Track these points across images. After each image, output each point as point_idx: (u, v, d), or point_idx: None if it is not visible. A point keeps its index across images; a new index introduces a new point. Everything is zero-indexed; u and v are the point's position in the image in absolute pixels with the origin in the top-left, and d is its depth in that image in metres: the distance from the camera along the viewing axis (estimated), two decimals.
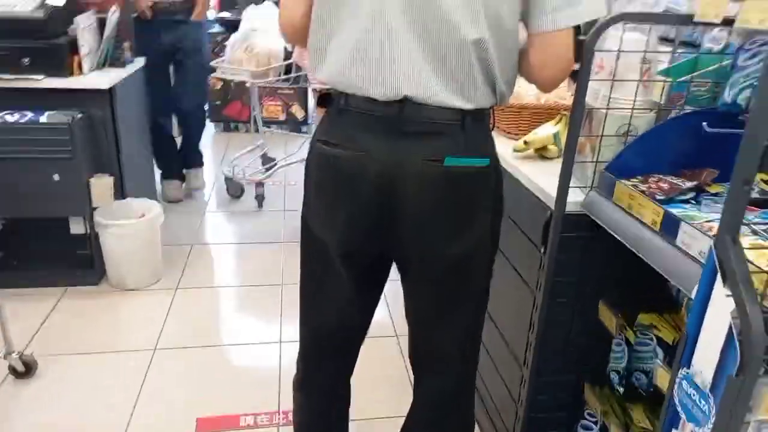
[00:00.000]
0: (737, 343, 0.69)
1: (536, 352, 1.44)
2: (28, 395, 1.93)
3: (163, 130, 3.38)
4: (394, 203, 1.10)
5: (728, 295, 0.70)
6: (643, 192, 1.12)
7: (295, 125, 4.78)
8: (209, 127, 4.61)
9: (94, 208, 2.43)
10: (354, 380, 1.44)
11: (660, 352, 1.26)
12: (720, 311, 0.72)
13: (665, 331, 1.27)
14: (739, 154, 0.67)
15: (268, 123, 4.45)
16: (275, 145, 4.36)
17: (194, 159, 3.68)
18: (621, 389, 1.36)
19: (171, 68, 3.35)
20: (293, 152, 4.24)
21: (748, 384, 0.68)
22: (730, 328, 0.70)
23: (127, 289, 2.54)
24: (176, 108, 3.44)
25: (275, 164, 3.98)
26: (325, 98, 1.16)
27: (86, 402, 1.91)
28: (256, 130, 3.79)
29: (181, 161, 3.59)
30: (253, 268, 2.82)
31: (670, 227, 1.00)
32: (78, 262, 2.53)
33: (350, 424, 1.50)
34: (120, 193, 2.57)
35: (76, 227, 2.48)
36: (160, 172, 3.50)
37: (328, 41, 1.10)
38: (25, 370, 1.99)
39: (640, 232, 1.07)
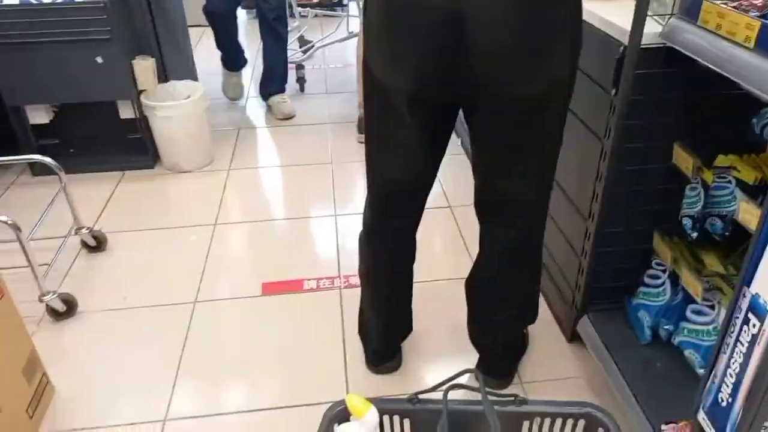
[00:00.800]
0: None
1: (603, 204, 1.40)
2: (101, 268, 2.03)
3: (224, 19, 2.97)
4: (464, 35, 1.01)
5: None
6: (734, 8, 1.01)
7: (330, 6, 4.58)
8: (241, 14, 4.46)
9: (141, 91, 2.41)
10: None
11: (740, 193, 1.20)
12: None
13: (746, 171, 1.21)
14: None
15: (303, 5, 4.26)
16: (312, 28, 4.22)
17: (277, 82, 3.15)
18: (695, 234, 1.32)
19: None
20: (330, 33, 4.10)
21: None
22: None
23: (181, 171, 2.58)
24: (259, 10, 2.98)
25: (313, 46, 3.86)
26: None
27: (156, 272, 2.00)
28: (291, 15, 3.64)
29: (243, 55, 3.25)
30: (302, 149, 2.82)
31: (765, 42, 0.91)
32: (131, 147, 2.57)
33: (414, 284, 1.53)
34: (163, 75, 2.53)
35: (125, 111, 2.49)
36: (222, 63, 3.23)
37: None
38: (96, 244, 2.08)
39: (732, 52, 0.98)
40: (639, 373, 1.40)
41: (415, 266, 1.50)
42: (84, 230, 2.04)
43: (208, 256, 2.07)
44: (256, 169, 2.68)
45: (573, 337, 1.65)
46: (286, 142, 2.92)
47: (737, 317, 0.87)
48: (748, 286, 0.84)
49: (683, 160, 1.29)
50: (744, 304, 0.85)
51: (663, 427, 1.25)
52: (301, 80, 3.42)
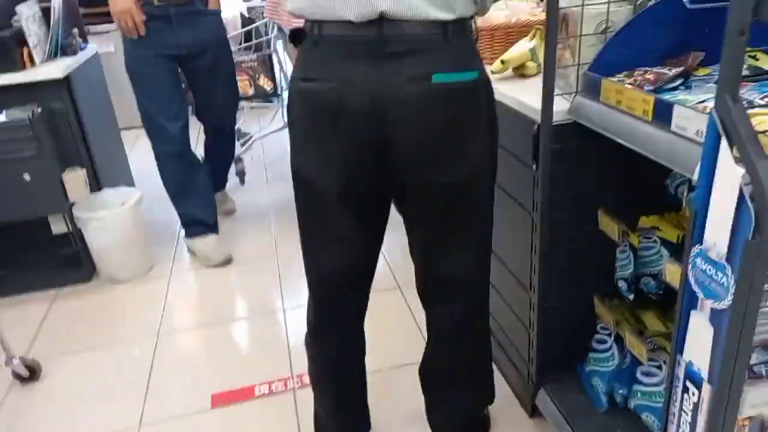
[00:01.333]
0: (750, 206, 0.66)
1: (541, 273, 1.43)
2: (36, 399, 1.89)
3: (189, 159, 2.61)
4: (384, 133, 1.05)
5: (736, 159, 0.67)
6: (630, 85, 1.08)
7: (265, 97, 4.68)
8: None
9: (72, 204, 2.36)
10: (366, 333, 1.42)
11: (665, 252, 1.24)
12: (728, 178, 0.69)
13: (668, 230, 1.26)
14: (731, 2, 0.62)
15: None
16: (249, 120, 4.27)
17: (222, 179, 3.07)
18: (631, 296, 1.34)
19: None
20: (267, 124, 4.17)
21: (766, 242, 0.65)
22: (741, 192, 0.67)
23: (119, 281, 2.49)
24: (209, 122, 2.78)
25: (250, 138, 3.90)
26: (297, 34, 1.10)
27: (97, 397, 1.88)
28: None
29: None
30: (245, 244, 2.78)
31: (662, 114, 0.97)
32: (66, 262, 2.48)
33: (367, 375, 1.49)
34: (96, 184, 2.49)
35: (58, 226, 2.42)
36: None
37: None
38: (30, 374, 1.95)
39: (633, 125, 1.03)
40: None
41: (368, 356, 1.46)
42: (15, 361, 1.91)
43: (151, 372, 1.96)
44: (198, 270, 2.61)
45: (534, 411, 1.62)
46: (229, 237, 2.88)
47: (677, 386, 0.87)
48: (681, 354, 0.85)
49: (608, 225, 1.33)
50: (680, 373, 0.86)
51: None
52: (241, 173, 3.43)
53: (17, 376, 1.94)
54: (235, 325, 2.23)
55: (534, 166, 1.32)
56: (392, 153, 1.08)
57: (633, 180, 1.33)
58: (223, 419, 1.75)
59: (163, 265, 2.62)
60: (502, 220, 1.62)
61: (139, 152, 3.62)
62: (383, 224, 1.30)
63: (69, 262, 2.47)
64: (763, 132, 0.70)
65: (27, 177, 2.24)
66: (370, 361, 1.47)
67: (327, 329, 1.36)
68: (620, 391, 1.43)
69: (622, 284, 1.36)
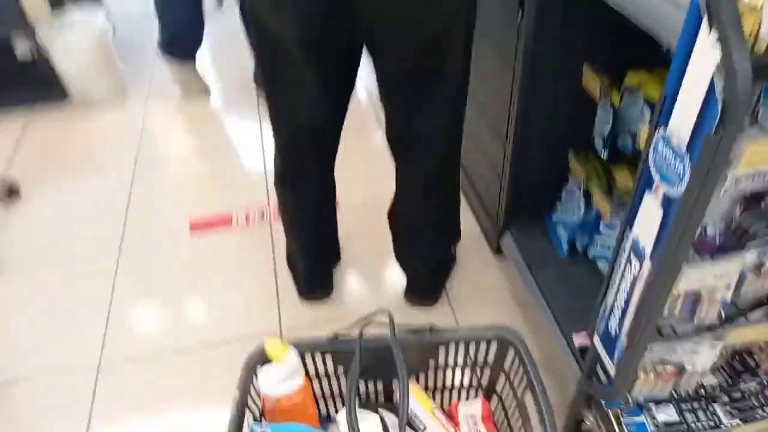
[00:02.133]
0: (719, 96, 0.61)
1: (518, 125, 1.39)
2: (17, 221, 1.95)
3: None
4: None
5: (713, 43, 0.60)
6: None
7: None
8: None
9: (34, 24, 2.19)
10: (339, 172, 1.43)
11: (648, 112, 1.19)
12: (702, 62, 0.63)
13: (653, 88, 1.19)
14: None
15: None
16: None
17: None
18: (605, 153, 1.32)
19: None
20: None
21: (727, 140, 0.62)
22: (712, 82, 0.62)
23: (93, 104, 2.42)
24: None
25: None
26: None
27: (78, 218, 1.94)
28: None
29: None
30: (225, 68, 2.66)
31: None
32: (36, 85, 2.38)
33: (342, 210, 1.52)
34: (57, 2, 2.30)
35: (22, 49, 2.28)
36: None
37: None
38: (9, 193, 1.98)
39: None
40: (556, 285, 1.46)
41: (344, 191, 1.47)
42: None
43: (131, 196, 2.00)
44: (177, 96, 2.53)
45: (498, 250, 1.70)
46: (207, 62, 2.74)
47: (622, 256, 0.89)
48: (631, 229, 0.86)
49: (591, 82, 1.26)
50: (627, 245, 0.87)
51: (574, 334, 1.33)
52: None
53: None
54: (213, 153, 2.23)
55: (519, 15, 1.21)
56: (359, 3, 0.99)
57: (624, 33, 1.22)
58: (201, 245, 1.83)
59: (138, 88, 2.53)
60: (485, 70, 1.54)
61: None
62: (353, 74, 1.23)
63: (40, 85, 2.38)
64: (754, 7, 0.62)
65: None
66: (345, 197, 1.48)
67: (296, 176, 1.36)
68: (582, 241, 1.48)
69: (598, 141, 1.33)
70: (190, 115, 2.44)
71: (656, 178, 0.76)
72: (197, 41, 2.34)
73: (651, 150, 0.76)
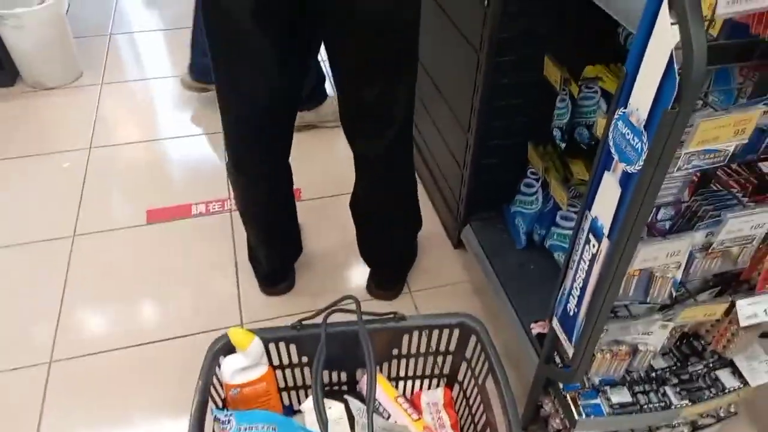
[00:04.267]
0: (677, 76, 0.64)
1: (480, 117, 1.41)
2: None
3: None
4: None
5: (673, 23, 0.63)
6: None
7: None
8: None
9: None
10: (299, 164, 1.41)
11: (604, 104, 1.23)
12: (662, 43, 0.65)
13: (610, 81, 1.23)
14: None
15: None
16: None
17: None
18: (563, 144, 1.36)
19: None
20: None
21: (684, 116, 0.65)
22: (671, 60, 0.65)
23: (46, 88, 2.33)
24: None
25: None
26: None
27: (29, 205, 1.87)
28: None
29: None
30: (182, 56, 2.60)
31: None
32: None
33: (303, 201, 1.51)
34: None
35: None
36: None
37: None
38: None
39: None
40: (514, 276, 1.49)
41: (306, 182, 1.46)
42: None
43: (84, 184, 1.94)
44: (131, 82, 2.46)
45: (458, 244, 1.72)
46: (165, 48, 2.68)
47: (581, 237, 0.92)
48: (590, 210, 0.88)
49: (552, 72, 1.30)
50: (586, 226, 0.90)
51: (532, 325, 1.36)
52: None
53: None
54: (172, 141, 2.17)
55: (485, 2, 1.24)
56: None
57: (585, 26, 1.27)
58: (159, 234, 1.79)
59: (93, 72, 2.45)
60: (448, 56, 1.56)
61: None
62: (306, 50, 1.22)
63: None
64: None
65: None
66: (308, 188, 1.47)
67: (247, 163, 1.34)
68: (539, 232, 1.52)
69: (556, 132, 1.36)
70: (148, 101, 2.38)
71: (615, 157, 0.79)
72: None
73: (611, 129, 0.79)
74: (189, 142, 2.17)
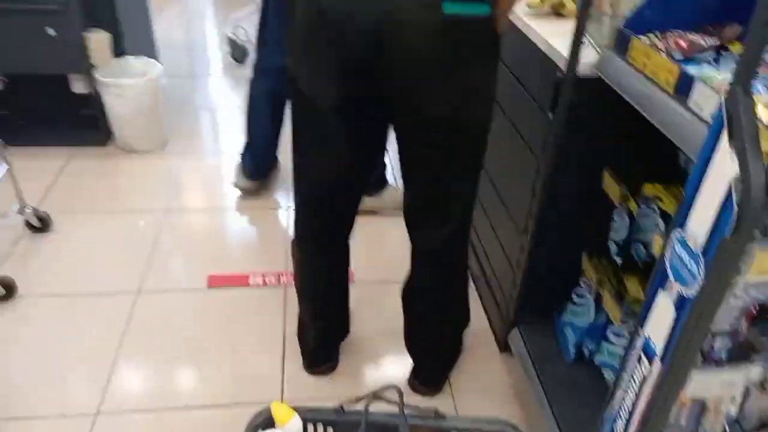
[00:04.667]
0: (735, 204, 0.65)
1: (538, 220, 1.43)
2: (44, 251, 2.00)
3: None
4: (387, 53, 1.04)
5: (732, 153, 0.65)
6: (660, 49, 1.03)
7: None
8: None
9: (94, 66, 2.36)
10: (356, 246, 1.46)
11: (662, 223, 1.24)
12: (721, 171, 0.68)
13: (669, 202, 1.24)
14: None
15: None
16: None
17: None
18: (619, 260, 1.35)
19: None
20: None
21: (741, 245, 0.65)
22: (730, 188, 0.66)
23: (133, 151, 2.54)
24: None
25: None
26: None
27: (100, 258, 1.98)
28: None
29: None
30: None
31: (684, 88, 0.93)
32: (83, 123, 2.51)
33: (353, 285, 1.54)
34: (119, 50, 2.47)
35: (78, 86, 2.43)
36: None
37: None
38: (41, 225, 2.04)
39: (650, 91, 1.00)
40: (560, 387, 1.44)
41: (358, 267, 1.50)
42: (28, 210, 2.00)
43: (155, 244, 2.05)
44: (212, 154, 2.65)
45: (505, 347, 1.69)
46: (237, 126, 2.86)
47: (633, 355, 0.90)
48: (643, 327, 0.87)
49: (611, 187, 1.32)
50: (638, 344, 0.89)
51: None
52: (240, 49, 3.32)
53: (29, 225, 2.04)
54: (239, 213, 2.29)
55: (550, 114, 1.30)
56: (390, 75, 1.08)
57: (646, 145, 1.30)
58: (216, 301, 1.85)
59: (177, 142, 2.65)
60: (507, 157, 1.61)
61: (165, 20, 3.55)
62: (377, 143, 1.30)
63: (87, 123, 2.51)
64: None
65: (51, 31, 2.23)
66: (359, 272, 1.51)
67: (311, 241, 1.41)
68: (589, 346, 1.48)
69: (612, 246, 1.36)
70: (224, 174, 2.53)
71: (671, 277, 0.79)
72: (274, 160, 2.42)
73: (668, 250, 0.80)
74: (255, 215, 2.28)
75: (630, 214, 1.30)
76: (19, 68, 2.34)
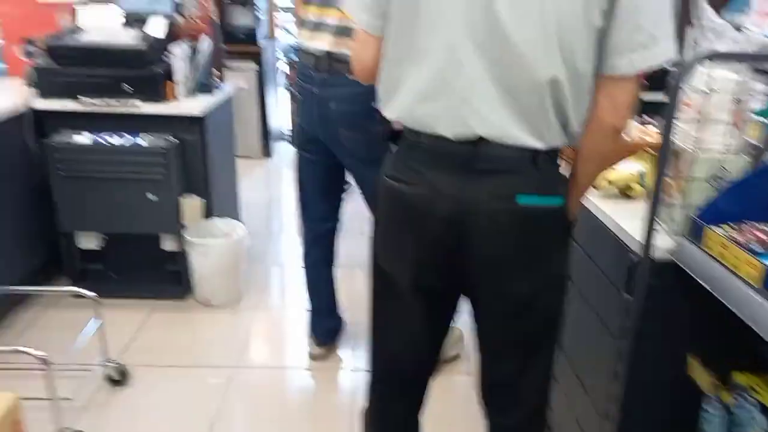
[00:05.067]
0: None
1: (623, 406, 1.35)
2: (119, 404, 2.05)
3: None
4: (464, 241, 1.08)
5: None
6: (737, 242, 1.02)
7: None
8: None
9: (184, 227, 2.56)
10: (428, 418, 1.42)
11: (761, 418, 1.14)
12: None
13: (766, 394, 1.15)
14: None
15: None
16: None
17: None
18: None
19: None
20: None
21: None
22: None
23: (211, 305, 2.65)
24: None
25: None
26: (396, 135, 1.16)
27: (170, 414, 2.01)
28: None
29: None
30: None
31: None
32: (167, 278, 2.68)
33: None
34: (208, 213, 2.69)
35: (169, 244, 2.62)
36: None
37: (398, 79, 1.09)
38: (119, 378, 2.12)
39: (736, 286, 0.97)
40: None
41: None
42: (111, 364, 2.09)
43: (222, 402, 2.07)
44: (285, 309, 2.72)
45: None
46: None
47: None
48: None
49: (699, 374, 1.25)
50: None
51: None
52: None
53: (108, 378, 2.11)
54: (307, 373, 2.30)
55: (626, 295, 1.27)
56: (468, 261, 1.11)
57: (728, 330, 1.24)
58: None
59: (251, 298, 2.75)
60: (584, 334, 1.56)
61: (248, 182, 3.85)
62: (451, 317, 1.32)
63: (170, 278, 2.67)
64: None
65: (151, 197, 2.47)
66: None
67: (381, 416, 1.39)
68: None
69: None
70: (293, 330, 2.57)
71: None
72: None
73: None
74: (320, 374, 2.28)
75: (725, 405, 1.20)
76: (119, 228, 2.58)
